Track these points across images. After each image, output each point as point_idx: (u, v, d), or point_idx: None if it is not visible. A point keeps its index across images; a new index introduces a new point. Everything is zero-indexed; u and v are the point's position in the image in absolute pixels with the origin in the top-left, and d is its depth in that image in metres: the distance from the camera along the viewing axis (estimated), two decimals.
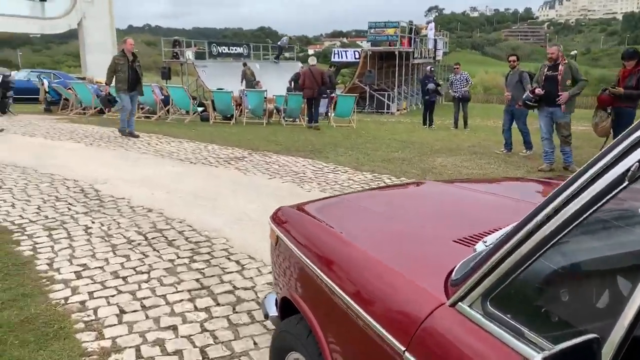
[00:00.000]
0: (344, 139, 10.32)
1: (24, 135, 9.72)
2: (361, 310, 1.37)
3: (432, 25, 27.22)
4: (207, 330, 2.81)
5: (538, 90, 7.37)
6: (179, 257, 3.80)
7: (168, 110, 14.20)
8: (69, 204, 5.06)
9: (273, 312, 2.12)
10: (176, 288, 3.30)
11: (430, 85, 14.43)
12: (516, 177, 3.71)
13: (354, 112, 13.67)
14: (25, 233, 4.17)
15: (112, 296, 3.16)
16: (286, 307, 1.94)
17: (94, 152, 8.04)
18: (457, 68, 14.21)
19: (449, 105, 18.95)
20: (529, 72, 9.29)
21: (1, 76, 13.19)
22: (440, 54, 28.17)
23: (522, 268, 1.02)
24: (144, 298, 3.15)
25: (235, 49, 31.39)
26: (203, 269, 3.61)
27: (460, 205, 2.05)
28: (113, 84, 9.64)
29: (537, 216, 0.98)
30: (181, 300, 3.13)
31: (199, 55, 27.61)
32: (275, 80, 23.67)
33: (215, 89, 15.74)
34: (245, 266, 3.66)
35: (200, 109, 14.13)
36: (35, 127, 11.02)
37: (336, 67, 21.88)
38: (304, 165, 7.33)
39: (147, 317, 2.93)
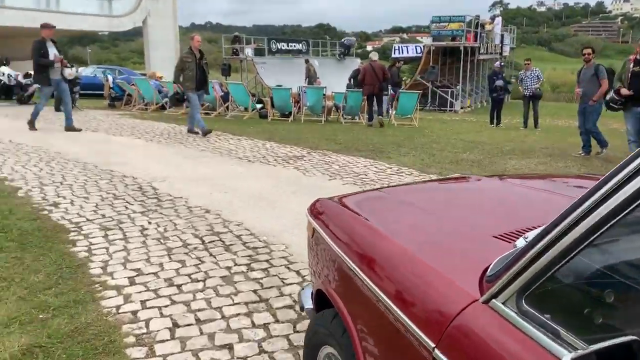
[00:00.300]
0: (406, 138, 9.89)
1: (86, 130, 9.88)
2: (393, 305, 1.35)
3: (499, 19, 26.11)
4: (266, 352, 2.53)
5: (624, 90, 6.70)
6: (236, 264, 3.56)
7: (227, 107, 14.19)
8: (127, 202, 4.95)
9: (308, 304, 2.11)
10: (232, 300, 3.05)
11: (499, 82, 13.71)
12: (574, 175, 3.31)
13: (416, 109, 13.17)
14: (82, 232, 4.05)
15: (166, 306, 2.94)
16: (321, 300, 1.91)
17: (154, 149, 8.01)
18: (528, 64, 13.42)
19: (516, 104, 18.04)
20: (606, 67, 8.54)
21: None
22: (507, 49, 27.00)
23: (560, 265, 0.98)
24: (198, 310, 2.91)
25: (294, 46, 31.34)
26: (261, 278, 3.35)
27: (505, 201, 1.96)
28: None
29: (575, 211, 0.94)
30: (237, 315, 2.88)
31: (258, 52, 27.68)
32: (334, 77, 23.44)
33: (274, 85, 15.63)
34: (306, 277, 3.37)
35: (259, 105, 14.03)
36: (99, 122, 11.23)
37: (403, 63, 21.30)
38: (365, 166, 6.99)
39: (201, 332, 2.69)
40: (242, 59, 25.88)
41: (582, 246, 0.93)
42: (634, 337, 0.81)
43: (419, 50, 26.81)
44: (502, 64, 17.61)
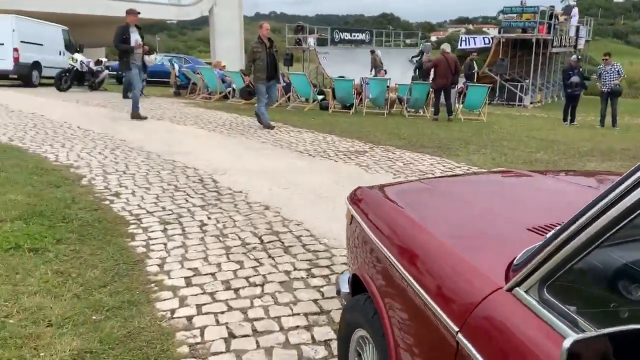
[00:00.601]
0: (474, 135, 9.40)
1: (152, 118, 10.01)
2: (422, 290, 1.40)
3: (576, 10, 24.57)
4: None
5: None
6: (295, 269, 3.36)
7: (289, 98, 14.09)
8: (187, 194, 4.86)
9: (345, 289, 2.17)
10: (292, 310, 2.84)
11: (574, 78, 12.84)
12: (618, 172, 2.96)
13: (485, 104, 12.56)
14: (141, 225, 3.98)
15: (222, 313, 2.78)
16: (357, 285, 1.97)
17: (216, 139, 7.96)
18: (607, 59, 12.51)
19: (590, 100, 16.92)
20: None
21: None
22: (582, 42, 25.44)
23: (580, 257, 1.01)
24: (255, 319, 2.73)
25: (357, 36, 30.91)
26: (322, 286, 3.13)
27: (544, 195, 1.96)
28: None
29: (595, 206, 0.97)
30: (297, 327, 2.67)
31: (321, 42, 27.47)
32: (397, 69, 22.90)
33: (336, 76, 15.37)
34: None
35: (320, 97, 13.82)
36: (164, 110, 11.38)
37: (477, 54, 20.47)
38: (431, 164, 6.63)
39: (258, 345, 2.50)
40: (304, 49, 25.74)
41: (600, 240, 0.96)
42: None
43: (486, 41, 25.72)
44: (579, 57, 16.54)
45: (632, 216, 0.90)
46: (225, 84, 15.04)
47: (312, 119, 10.97)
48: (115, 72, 19.37)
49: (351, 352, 1.94)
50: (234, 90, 14.77)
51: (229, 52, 39.02)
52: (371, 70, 18.92)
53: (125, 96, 13.54)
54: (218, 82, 14.88)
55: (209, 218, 4.24)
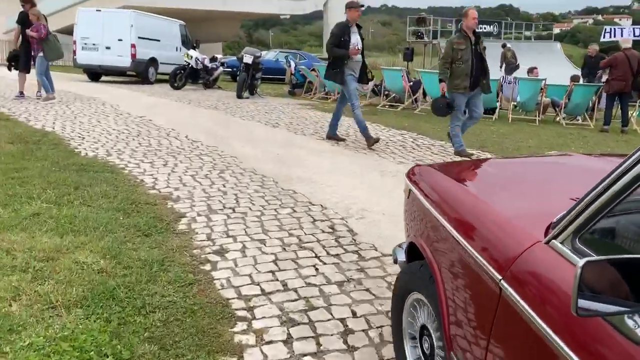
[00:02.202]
0: None
1: (267, 124, 8.80)
2: (471, 248, 1.55)
3: None
4: None
5: None
6: None
7: (416, 99, 12.35)
8: (316, 256, 3.40)
9: (401, 257, 2.30)
10: None
11: None
12: None
13: None
14: (252, 326, 2.55)
15: None
16: (412, 253, 2.17)
17: (343, 159, 6.48)
18: None
19: None
20: None
21: (252, 57, 12.86)
22: None
23: (607, 210, 1.14)
24: None
25: (484, 28, 28.24)
26: None
27: (597, 174, 1.67)
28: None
29: (621, 167, 1.11)
30: None
31: (442, 35, 25.30)
32: (531, 66, 20.15)
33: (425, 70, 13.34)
34: None
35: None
36: (280, 114, 10.17)
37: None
38: None
39: None
40: (426, 43, 23.75)
41: (623, 196, 1.10)
42: None
43: (637, 33, 22.04)
44: None
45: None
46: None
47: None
48: (230, 69, 18.76)
49: (405, 314, 2.10)
50: None
51: None
52: (501, 67, 16.63)
53: (239, 96, 12.60)
54: None
55: (354, 313, 2.71)
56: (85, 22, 15.35)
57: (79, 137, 6.73)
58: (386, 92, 12.84)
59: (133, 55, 15.20)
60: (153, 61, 16.06)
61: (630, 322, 0.98)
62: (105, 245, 3.26)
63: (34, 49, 9.39)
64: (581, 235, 1.21)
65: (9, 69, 10.01)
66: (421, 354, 1.97)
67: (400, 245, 2.40)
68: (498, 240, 1.48)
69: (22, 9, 9.53)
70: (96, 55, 15.23)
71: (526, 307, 1.22)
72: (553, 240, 1.28)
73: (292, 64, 15.48)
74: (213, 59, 15.52)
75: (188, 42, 17.77)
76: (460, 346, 1.59)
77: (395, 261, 2.37)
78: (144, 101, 11.00)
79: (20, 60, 9.69)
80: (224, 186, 4.90)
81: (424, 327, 1.93)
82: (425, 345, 1.92)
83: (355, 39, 6.97)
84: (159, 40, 16.31)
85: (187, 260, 3.23)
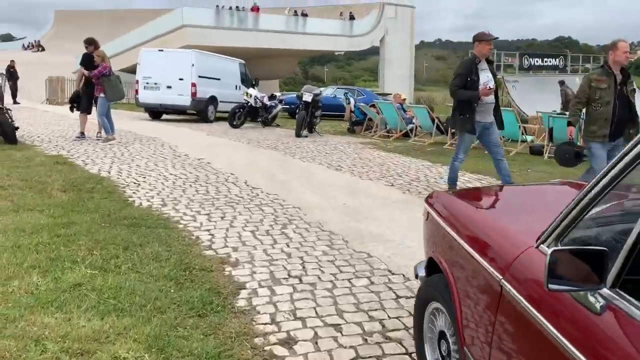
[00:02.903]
0: None
1: (329, 167, 8.25)
2: (477, 255, 1.89)
3: None
4: None
5: None
6: None
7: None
8: (408, 354, 2.70)
9: (422, 273, 2.57)
10: None
11: None
12: None
13: None
14: None
15: None
16: (431, 268, 2.46)
17: (417, 212, 5.78)
18: None
19: None
20: None
21: (311, 95, 12.49)
22: None
23: (582, 216, 1.46)
24: None
25: (549, 61, 27.08)
26: None
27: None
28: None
29: (593, 181, 1.44)
30: None
31: (505, 70, 24.31)
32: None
33: (538, 110, 12.38)
34: None
35: (529, 138, 11.04)
36: (341, 155, 9.61)
37: None
38: None
39: None
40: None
41: (593, 204, 1.43)
42: (604, 248, 1.27)
43: None
44: None
45: (613, 184, 1.38)
46: (405, 120, 13.02)
47: (529, 171, 8.32)
48: (288, 106, 18.55)
49: (425, 322, 2.38)
50: (416, 127, 12.70)
51: (398, 81, 37.43)
52: (561, 105, 15.68)
53: (298, 134, 12.20)
54: (399, 119, 12.90)
55: None
56: (148, 62, 15.55)
57: (134, 183, 6.38)
58: (453, 131, 12.08)
59: (193, 94, 15.20)
60: (213, 100, 16.03)
61: (592, 299, 1.31)
62: (152, 332, 2.70)
63: (96, 89, 9.32)
64: (562, 239, 1.53)
65: (71, 110, 10.01)
66: (440, 356, 2.25)
67: (419, 263, 2.69)
68: (500, 248, 1.82)
69: (85, 51, 9.55)
70: (157, 95, 15.34)
71: (518, 295, 1.57)
72: (541, 245, 1.61)
73: (352, 101, 15.01)
74: (272, 97, 15.33)
75: (247, 80, 17.73)
76: (471, 341, 1.89)
77: (417, 276, 2.68)
78: (202, 141, 10.75)
79: (81, 101, 9.67)
80: (288, 246, 4.31)
81: (442, 333, 2.23)
82: (442, 348, 2.22)
83: (485, 77, 5.88)
84: (219, 79, 16.30)
85: (248, 355, 2.62)
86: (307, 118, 12.51)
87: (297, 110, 13.51)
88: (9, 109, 9.22)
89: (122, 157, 8.17)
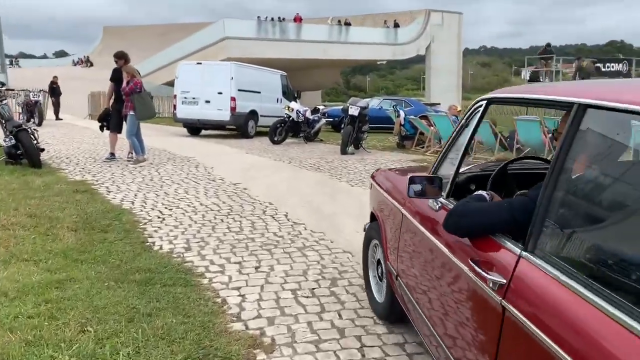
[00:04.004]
0: None
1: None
2: (393, 201, 2.98)
3: None
4: None
5: None
6: None
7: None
8: None
9: (367, 223, 3.64)
10: None
11: None
12: None
13: None
14: None
15: None
16: (372, 218, 3.58)
17: None
18: None
19: None
20: None
21: (358, 108, 11.47)
22: None
23: (455, 175, 2.35)
24: None
25: (612, 66, 25.23)
26: None
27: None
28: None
29: (448, 142, 2.56)
30: None
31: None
32: None
33: None
34: None
35: None
36: None
37: None
38: None
39: None
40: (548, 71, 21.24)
41: (443, 157, 2.57)
42: (441, 176, 2.34)
43: None
44: None
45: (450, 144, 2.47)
46: None
47: None
48: (331, 118, 17.60)
49: (370, 253, 3.52)
50: (475, 142, 11.44)
51: (445, 90, 35.97)
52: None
53: (343, 152, 11.21)
54: None
55: None
56: (186, 76, 14.94)
57: (158, 217, 5.51)
58: (518, 146, 10.83)
59: (232, 109, 14.46)
60: (253, 114, 15.26)
61: (435, 204, 2.32)
62: None
63: (125, 107, 8.61)
64: (450, 194, 2.32)
65: (101, 130, 9.34)
66: (377, 277, 3.38)
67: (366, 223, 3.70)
68: (399, 193, 2.88)
69: (115, 65, 8.87)
70: (196, 110, 14.68)
71: (409, 216, 2.61)
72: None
73: (402, 114, 13.89)
74: (315, 111, 14.41)
75: (289, 93, 16.91)
76: (393, 261, 2.88)
77: (364, 229, 3.65)
78: (240, 161, 9.88)
79: (111, 120, 8.98)
80: (340, 316, 3.28)
81: (378, 261, 3.34)
82: (380, 271, 3.29)
83: None
84: (259, 92, 15.53)
85: None
86: (354, 134, 11.51)
87: (342, 125, 12.54)
88: (36, 129, 8.61)
89: (151, 183, 7.36)
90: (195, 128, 15.64)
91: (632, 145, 1.68)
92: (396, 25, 36.84)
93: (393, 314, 3.06)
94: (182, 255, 4.32)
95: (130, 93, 8.46)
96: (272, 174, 8.38)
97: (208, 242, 4.71)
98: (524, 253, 1.55)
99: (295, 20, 35.18)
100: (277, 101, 16.52)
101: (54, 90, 20.78)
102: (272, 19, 35.18)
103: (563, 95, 1.71)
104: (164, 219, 5.48)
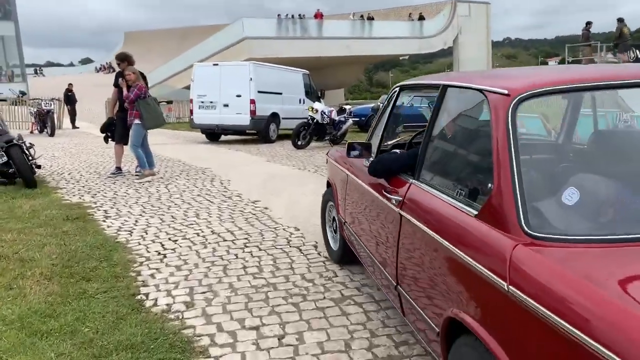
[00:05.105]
0: None
1: None
2: (353, 176, 3.50)
3: None
4: None
5: None
6: None
7: None
8: None
9: (326, 188, 4.43)
10: None
11: None
12: None
13: None
14: None
15: None
16: (328, 185, 4.35)
17: None
18: None
19: None
20: None
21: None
22: None
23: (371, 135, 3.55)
24: None
25: None
26: None
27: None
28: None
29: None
30: None
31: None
32: None
33: None
34: None
35: None
36: None
37: None
38: None
39: None
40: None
41: (374, 131, 3.49)
42: (370, 142, 3.25)
43: None
44: None
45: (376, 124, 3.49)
46: None
47: None
48: (357, 118, 16.43)
49: (327, 214, 4.35)
50: None
51: None
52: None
53: None
54: None
55: None
56: (202, 79, 13.96)
57: (159, 254, 4.45)
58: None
59: (252, 112, 13.42)
60: (274, 117, 14.21)
61: (367, 162, 3.14)
62: None
63: (130, 115, 7.61)
64: (377, 155, 3.09)
65: (105, 141, 8.36)
66: (333, 231, 4.21)
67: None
68: (347, 161, 3.63)
69: (119, 69, 7.89)
70: (213, 115, 13.70)
71: (351, 175, 3.51)
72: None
73: None
74: (341, 111, 13.26)
75: (312, 93, 15.81)
76: (342, 212, 3.76)
77: (324, 195, 4.43)
78: (261, 172, 8.81)
79: (116, 130, 7.99)
80: None
81: (334, 218, 4.12)
82: (335, 226, 4.10)
83: None
84: (280, 93, 14.46)
85: None
86: None
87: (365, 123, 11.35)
88: (31, 144, 7.69)
89: (157, 203, 6.34)
90: (213, 134, 14.67)
91: (468, 113, 2.36)
92: (421, 18, 35.39)
93: (344, 257, 3.96)
94: (180, 317, 3.24)
95: (134, 100, 7.46)
96: (296, 188, 7.27)
97: (217, 292, 3.62)
98: (413, 180, 2.48)
99: (316, 16, 34.01)
100: (300, 102, 15.44)
101: (69, 98, 20.10)
102: (292, 17, 34.08)
103: (436, 80, 2.62)
104: (165, 255, 4.42)
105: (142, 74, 7.94)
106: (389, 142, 3.43)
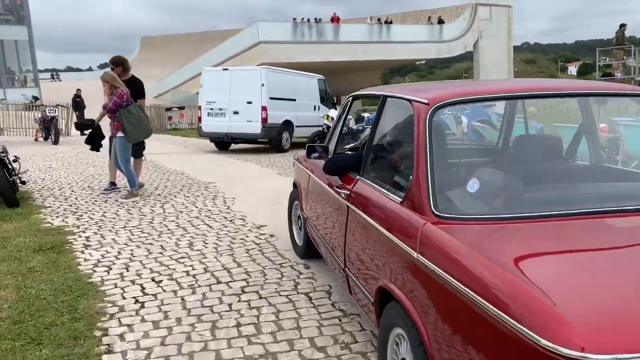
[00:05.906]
0: None
1: None
2: (305, 169, 4.18)
3: None
4: None
5: None
6: None
7: None
8: None
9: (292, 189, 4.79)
10: None
11: None
12: None
13: None
14: None
15: None
16: (294, 186, 4.67)
17: None
18: None
19: None
20: None
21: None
22: None
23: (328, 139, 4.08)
24: None
25: None
26: None
27: None
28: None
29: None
30: None
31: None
32: None
33: None
34: None
35: None
36: None
37: None
38: None
39: None
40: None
41: (332, 135, 3.95)
42: (327, 145, 3.74)
43: None
44: None
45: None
46: None
47: None
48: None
49: (292, 212, 4.72)
50: None
51: None
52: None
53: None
54: None
55: None
56: (211, 85, 13.20)
57: (136, 301, 3.62)
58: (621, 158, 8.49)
59: (264, 120, 12.62)
60: (287, 125, 13.41)
61: (324, 162, 3.46)
62: None
63: (112, 127, 6.79)
64: (336, 150, 3.65)
65: (96, 150, 7.34)
66: (298, 228, 4.58)
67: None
68: (309, 165, 4.00)
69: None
70: (223, 122, 12.94)
71: (311, 174, 3.98)
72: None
73: (464, 120, 11.68)
74: (359, 119, 12.41)
75: (328, 99, 14.98)
76: (305, 209, 4.14)
77: (291, 193, 4.81)
78: (269, 188, 7.97)
79: (111, 142, 7.17)
80: None
81: (299, 217, 4.48)
82: (300, 223, 4.47)
83: None
84: (294, 100, 13.65)
85: None
86: None
87: None
88: (17, 157, 6.93)
89: (149, 228, 5.53)
90: (223, 142, 13.90)
91: (400, 119, 2.74)
92: (441, 22, 34.41)
93: (308, 251, 4.29)
94: None
95: (114, 110, 6.62)
96: None
97: None
98: (358, 176, 2.89)
99: (332, 20, 33.21)
100: (315, 109, 14.61)
101: (78, 104, 19.53)
102: (308, 20, 33.33)
103: (379, 92, 3.05)
104: (143, 304, 3.58)
105: (136, 79, 7.16)
106: (347, 146, 3.86)
